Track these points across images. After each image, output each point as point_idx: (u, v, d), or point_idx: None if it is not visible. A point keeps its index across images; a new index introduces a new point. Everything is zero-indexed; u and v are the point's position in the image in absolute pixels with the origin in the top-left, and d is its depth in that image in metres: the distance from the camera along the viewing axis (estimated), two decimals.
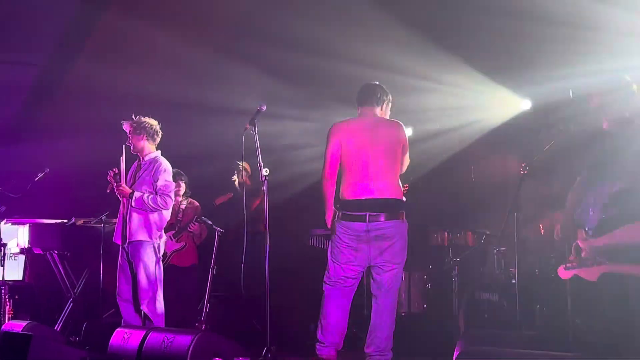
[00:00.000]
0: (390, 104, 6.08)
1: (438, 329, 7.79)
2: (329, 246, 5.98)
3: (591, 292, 4.36)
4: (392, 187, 5.72)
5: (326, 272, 5.94)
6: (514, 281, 7.14)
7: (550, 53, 7.70)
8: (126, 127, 6.69)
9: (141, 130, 6.68)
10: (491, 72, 8.31)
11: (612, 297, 4.22)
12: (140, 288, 6.50)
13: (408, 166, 6.11)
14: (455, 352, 4.54)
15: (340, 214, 5.79)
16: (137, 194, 6.54)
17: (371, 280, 5.93)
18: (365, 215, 5.65)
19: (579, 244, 3.94)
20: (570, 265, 3.98)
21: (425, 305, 8.21)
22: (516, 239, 6.71)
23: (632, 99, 5.11)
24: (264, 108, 6.14)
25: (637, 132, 4.92)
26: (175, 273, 7.81)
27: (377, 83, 6.07)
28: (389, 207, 5.68)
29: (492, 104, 8.87)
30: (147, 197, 6.53)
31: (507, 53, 7.95)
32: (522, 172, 7.22)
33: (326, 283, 5.93)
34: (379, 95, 5.95)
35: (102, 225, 7.54)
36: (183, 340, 5.01)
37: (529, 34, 7.46)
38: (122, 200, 6.64)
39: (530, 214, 7.45)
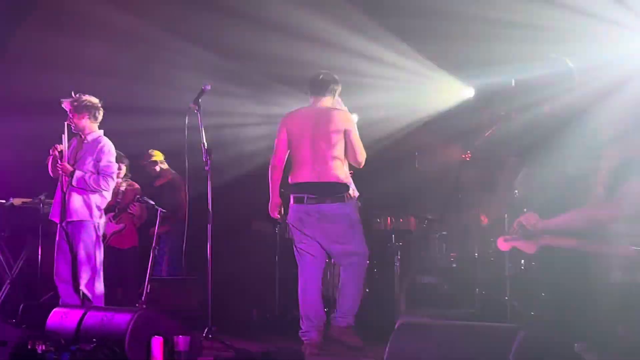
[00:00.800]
0: (339, 93, 6.31)
1: (380, 312, 7.86)
2: None
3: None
4: (334, 171, 5.98)
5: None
6: (454, 265, 7.28)
7: (494, 42, 7.79)
8: (66, 105, 6.54)
9: (82, 108, 6.54)
10: (435, 59, 8.37)
11: (547, 275, 4.33)
12: (80, 268, 6.39)
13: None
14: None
15: (289, 197, 6.13)
16: (78, 173, 6.41)
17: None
18: (304, 197, 6.00)
19: (523, 220, 4.01)
20: (510, 237, 4.05)
21: (367, 290, 8.28)
22: (457, 223, 6.81)
23: (573, 83, 5.20)
24: (209, 87, 6.11)
25: (579, 115, 5.00)
26: (114, 255, 7.71)
27: (328, 72, 6.29)
28: (330, 190, 5.96)
29: (436, 91, 8.94)
30: (89, 177, 6.42)
31: (451, 40, 8.03)
32: (465, 158, 7.35)
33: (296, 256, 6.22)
34: (330, 86, 6.21)
35: (41, 205, 7.40)
36: (122, 318, 4.93)
37: (473, 23, 7.55)
38: (61, 178, 6.50)
39: (471, 201, 7.55)
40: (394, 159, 9.28)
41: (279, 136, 6.19)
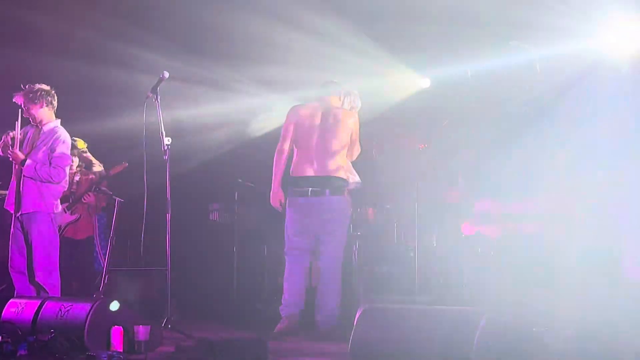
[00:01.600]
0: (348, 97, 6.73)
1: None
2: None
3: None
4: (337, 166, 6.31)
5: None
6: (412, 254, 7.33)
7: (450, 33, 7.86)
8: (19, 98, 6.38)
9: (39, 98, 6.38)
10: (391, 48, 8.39)
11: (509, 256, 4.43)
12: (36, 259, 6.27)
13: None
14: (357, 315, 4.63)
15: (289, 189, 6.36)
16: (28, 162, 6.27)
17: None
18: (308, 190, 6.25)
19: (483, 205, 4.09)
20: (473, 221, 4.13)
21: None
22: (416, 213, 6.86)
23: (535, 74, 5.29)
24: (167, 75, 6.06)
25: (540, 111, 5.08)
26: (70, 246, 7.58)
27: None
28: (332, 184, 6.27)
29: (392, 80, 8.98)
30: (40, 167, 6.29)
31: (407, 31, 8.07)
32: (420, 147, 7.43)
33: (286, 253, 6.42)
34: (336, 87, 6.67)
35: None
36: (81, 309, 4.87)
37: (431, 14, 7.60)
38: (15, 166, 6.38)
39: (428, 189, 7.60)
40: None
41: (287, 124, 6.43)
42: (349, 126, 6.41)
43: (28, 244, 6.30)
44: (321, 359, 4.73)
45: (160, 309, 7.62)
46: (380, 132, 9.15)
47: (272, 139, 7.03)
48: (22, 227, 6.33)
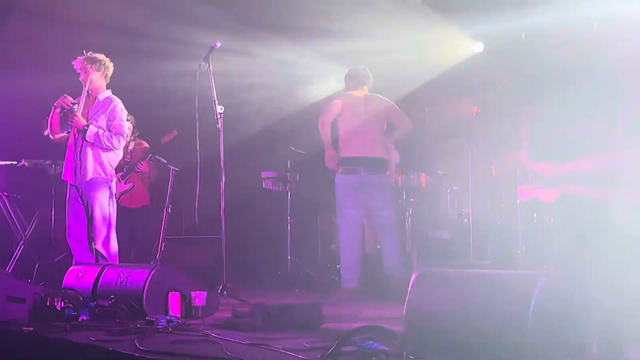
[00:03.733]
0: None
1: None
2: None
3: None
4: (380, 147, 6.96)
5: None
6: (466, 220, 7.28)
7: None
8: (77, 63, 6.44)
9: (100, 66, 6.43)
10: (443, 12, 8.28)
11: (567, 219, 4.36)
12: (96, 227, 6.35)
13: None
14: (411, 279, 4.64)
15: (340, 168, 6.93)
16: (92, 128, 6.32)
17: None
18: (357, 168, 6.87)
19: (539, 167, 4.02)
20: (529, 186, 4.07)
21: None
22: (469, 178, 6.79)
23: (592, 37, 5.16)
24: (219, 44, 6.09)
25: (596, 68, 4.95)
26: (126, 215, 7.70)
27: (362, 66, 7.21)
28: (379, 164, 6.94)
29: (444, 45, 8.87)
30: (102, 133, 6.38)
31: None
32: (474, 112, 7.32)
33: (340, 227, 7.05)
34: (366, 79, 7.15)
35: (53, 166, 7.40)
36: (139, 275, 4.96)
37: None
38: (72, 136, 6.42)
39: (482, 155, 7.51)
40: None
41: (333, 104, 6.99)
42: (378, 111, 7.03)
43: (87, 213, 6.40)
44: (376, 323, 4.71)
45: (215, 276, 7.77)
46: (433, 97, 9.07)
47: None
48: (80, 196, 6.43)
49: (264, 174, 8.48)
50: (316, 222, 8.72)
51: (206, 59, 6.10)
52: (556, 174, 3.91)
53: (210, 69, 6.09)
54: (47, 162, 7.56)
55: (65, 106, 6.37)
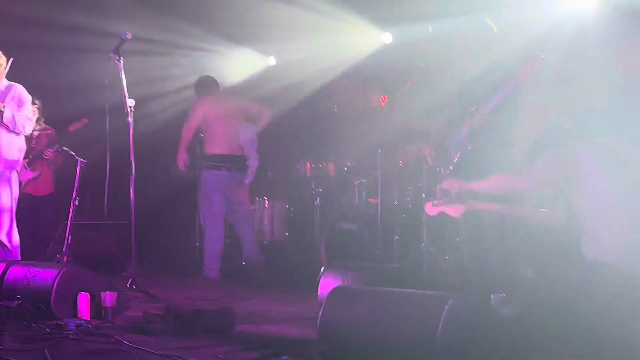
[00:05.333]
0: None
1: (300, 256, 8.02)
2: None
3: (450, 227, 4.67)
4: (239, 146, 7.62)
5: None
6: (373, 211, 7.42)
7: None
8: None
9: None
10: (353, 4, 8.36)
11: (470, 232, 4.55)
12: (2, 217, 6.20)
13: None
14: (319, 287, 4.78)
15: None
16: (8, 111, 6.10)
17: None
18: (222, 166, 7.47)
19: (449, 185, 4.18)
20: (437, 202, 4.22)
21: (287, 234, 8.42)
22: (380, 171, 6.89)
23: (493, 41, 5.32)
24: (129, 36, 5.99)
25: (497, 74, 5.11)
26: (30, 202, 7.53)
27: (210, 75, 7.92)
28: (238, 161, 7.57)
29: (354, 37, 8.96)
30: (19, 116, 6.16)
31: None
32: (380, 103, 7.45)
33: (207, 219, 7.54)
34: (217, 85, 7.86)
35: None
36: (47, 275, 4.87)
37: None
38: None
39: (388, 146, 7.64)
40: (313, 105, 9.32)
41: (195, 110, 7.60)
42: (234, 109, 7.70)
43: None
44: (289, 325, 4.83)
45: (120, 264, 7.73)
46: (342, 87, 9.17)
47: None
48: None
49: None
50: None
51: (116, 51, 5.99)
52: (461, 191, 4.08)
53: (121, 61, 5.98)
54: None
55: None
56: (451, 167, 4.84)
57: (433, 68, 6.72)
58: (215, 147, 7.50)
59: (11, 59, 6.17)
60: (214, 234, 7.47)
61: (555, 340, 3.43)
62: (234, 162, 7.51)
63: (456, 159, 4.83)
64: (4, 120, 6.11)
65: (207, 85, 7.76)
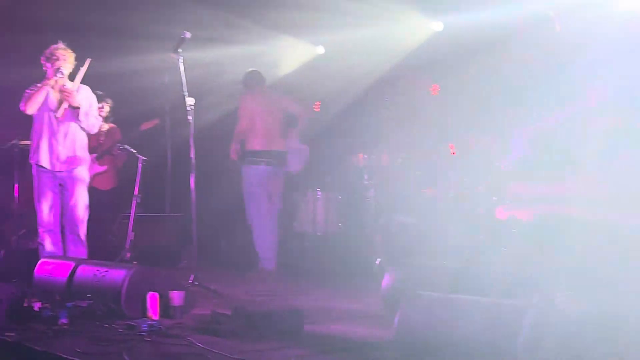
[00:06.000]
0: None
1: (354, 248, 8.05)
2: None
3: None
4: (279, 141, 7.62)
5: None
6: (428, 203, 7.41)
7: None
8: (59, 52, 6.20)
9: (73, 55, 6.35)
10: None
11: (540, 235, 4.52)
12: (77, 217, 6.28)
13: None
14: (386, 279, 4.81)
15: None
16: (84, 108, 6.17)
17: None
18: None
19: (516, 187, 4.17)
20: (507, 206, 4.22)
21: (340, 225, 8.44)
22: (430, 160, 6.85)
23: (555, 34, 5.25)
24: (188, 36, 6.05)
25: (560, 68, 5.05)
26: (95, 195, 7.66)
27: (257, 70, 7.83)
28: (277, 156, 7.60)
29: (405, 25, 8.91)
30: (91, 113, 6.25)
31: None
32: (432, 92, 7.41)
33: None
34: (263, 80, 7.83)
35: (16, 150, 7.30)
36: (117, 274, 4.98)
37: None
38: (47, 118, 6.19)
39: (442, 137, 7.62)
40: (364, 94, 9.30)
41: (240, 105, 7.63)
42: (276, 105, 7.70)
43: (64, 201, 6.29)
44: (355, 324, 4.87)
45: (177, 255, 7.85)
46: (394, 77, 9.14)
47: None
48: (62, 183, 6.28)
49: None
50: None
51: (176, 50, 6.06)
52: (533, 195, 4.06)
53: (181, 60, 6.05)
54: (8, 145, 7.40)
55: (59, 84, 6.15)
56: (512, 164, 4.82)
57: (489, 60, 6.67)
58: (255, 142, 7.55)
59: (88, 59, 6.22)
60: (263, 226, 7.52)
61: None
62: (273, 157, 7.56)
63: (517, 156, 4.80)
64: (81, 118, 6.21)
65: (253, 80, 7.81)
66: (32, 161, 6.28)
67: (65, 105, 6.13)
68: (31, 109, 6.12)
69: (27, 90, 6.18)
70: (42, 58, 6.21)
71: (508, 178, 4.44)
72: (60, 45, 6.19)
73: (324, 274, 7.64)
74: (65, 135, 6.23)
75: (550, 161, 4.46)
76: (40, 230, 6.26)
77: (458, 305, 3.32)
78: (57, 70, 6.09)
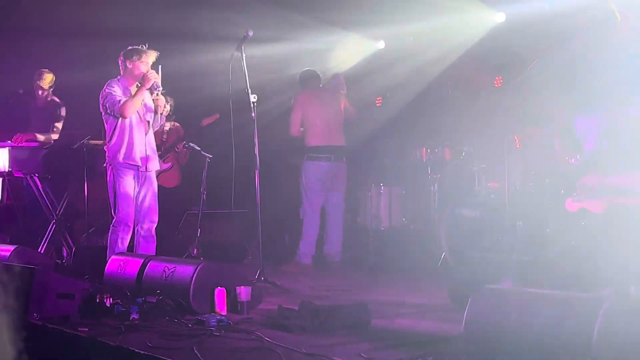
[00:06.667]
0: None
1: (418, 243, 8.01)
2: None
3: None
4: (341, 137, 8.01)
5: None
6: (493, 196, 7.31)
7: None
8: (151, 56, 6.39)
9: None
10: None
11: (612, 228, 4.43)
12: (153, 213, 6.52)
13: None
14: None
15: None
16: (160, 110, 6.47)
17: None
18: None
19: (590, 180, 4.08)
20: (577, 198, 4.14)
21: (404, 220, 8.41)
22: (494, 154, 6.74)
23: (615, 30, 5.13)
24: (251, 34, 6.11)
25: (619, 63, 4.95)
26: (161, 193, 7.79)
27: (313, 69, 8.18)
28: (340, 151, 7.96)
29: (466, 17, 8.82)
30: (164, 114, 6.55)
31: None
32: (495, 84, 7.29)
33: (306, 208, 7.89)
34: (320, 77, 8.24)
35: (84, 149, 7.46)
36: (185, 270, 5.06)
37: None
38: (137, 119, 6.38)
39: (503, 128, 7.49)
40: (426, 88, 9.24)
41: (298, 102, 7.89)
42: (336, 103, 8.04)
43: (147, 199, 6.49)
44: (422, 318, 4.85)
45: (243, 251, 7.93)
46: (456, 70, 9.05)
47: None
48: (144, 181, 6.46)
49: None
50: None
51: (239, 49, 6.12)
52: (603, 186, 3.98)
53: (244, 58, 6.11)
54: (78, 144, 7.56)
55: (156, 87, 6.34)
56: (582, 159, 4.73)
57: (551, 51, 6.56)
58: (315, 138, 7.80)
59: (160, 66, 6.40)
60: (312, 222, 7.84)
61: None
62: (333, 152, 7.81)
63: (588, 149, 4.71)
64: (161, 120, 6.55)
65: (308, 78, 8.09)
66: (119, 160, 6.36)
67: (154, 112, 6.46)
68: (130, 114, 6.29)
69: (114, 95, 6.27)
70: (127, 57, 6.35)
71: (578, 171, 4.35)
72: (147, 49, 6.38)
73: (388, 268, 7.64)
74: (146, 135, 6.44)
75: (623, 152, 4.37)
76: (118, 227, 6.37)
77: (529, 298, 3.27)
78: (157, 87, 6.33)
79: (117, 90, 6.28)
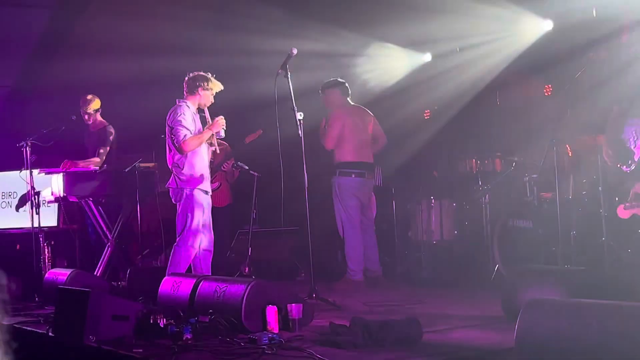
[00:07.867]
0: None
1: (471, 255, 7.95)
2: None
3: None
4: (371, 153, 7.94)
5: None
6: (545, 206, 7.21)
7: None
8: (216, 87, 6.71)
9: None
10: None
11: None
12: (211, 229, 6.79)
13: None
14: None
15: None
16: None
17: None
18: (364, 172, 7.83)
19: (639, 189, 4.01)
20: (629, 205, 4.07)
21: (456, 232, 8.34)
22: (556, 165, 6.62)
23: None
24: (295, 52, 6.15)
25: None
26: (213, 214, 7.89)
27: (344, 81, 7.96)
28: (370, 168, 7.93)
29: (514, 25, 8.75)
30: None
31: None
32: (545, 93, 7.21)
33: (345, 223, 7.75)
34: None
35: (136, 172, 7.58)
36: (236, 289, 5.08)
37: None
38: (206, 146, 6.74)
39: (553, 136, 7.39)
40: (474, 99, 9.17)
41: (335, 117, 7.76)
42: (367, 121, 7.97)
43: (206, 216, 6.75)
44: (473, 332, 4.79)
45: (294, 269, 7.94)
46: (504, 77, 8.97)
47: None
48: (207, 204, 6.74)
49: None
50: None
51: (283, 67, 6.17)
52: None
53: (289, 76, 6.16)
54: (135, 165, 7.69)
55: (218, 135, 6.72)
56: (633, 166, 4.64)
57: (601, 57, 6.47)
58: (348, 154, 7.74)
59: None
60: (355, 237, 7.71)
61: None
62: (364, 167, 7.76)
63: (637, 157, 4.63)
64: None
65: (347, 91, 7.96)
66: (197, 187, 6.64)
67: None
68: (188, 152, 6.56)
69: (183, 125, 6.48)
70: (196, 81, 6.61)
71: (631, 178, 4.26)
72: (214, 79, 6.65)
73: (441, 282, 7.58)
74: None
75: None
76: (190, 249, 6.60)
77: (583, 309, 3.20)
78: (219, 135, 6.69)
79: (187, 117, 6.53)
